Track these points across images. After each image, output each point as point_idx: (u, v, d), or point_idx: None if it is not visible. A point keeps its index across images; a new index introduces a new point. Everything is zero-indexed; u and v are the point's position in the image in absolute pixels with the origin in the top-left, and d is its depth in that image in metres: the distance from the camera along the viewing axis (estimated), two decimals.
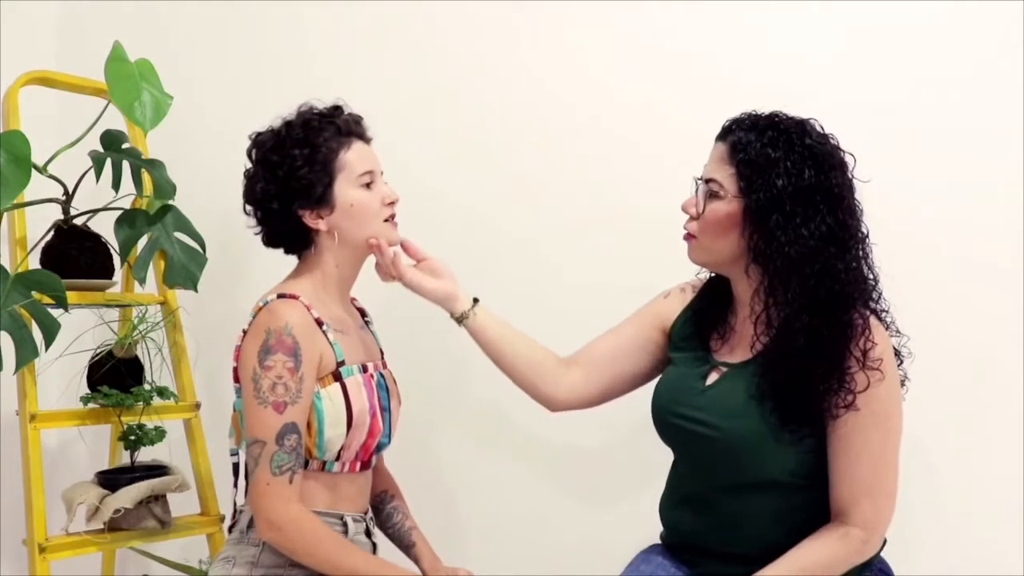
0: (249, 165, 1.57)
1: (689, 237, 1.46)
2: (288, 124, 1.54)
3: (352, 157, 1.53)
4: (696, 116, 1.95)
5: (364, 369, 1.53)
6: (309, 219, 1.51)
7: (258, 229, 1.58)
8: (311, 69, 2.24)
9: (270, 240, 1.58)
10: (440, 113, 2.15)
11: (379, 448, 1.56)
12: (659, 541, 1.58)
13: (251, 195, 1.55)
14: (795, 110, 1.43)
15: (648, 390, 1.56)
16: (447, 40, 2.16)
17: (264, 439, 1.40)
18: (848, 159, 1.40)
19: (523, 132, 2.10)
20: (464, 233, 2.12)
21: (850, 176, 1.39)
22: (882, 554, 1.46)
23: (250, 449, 1.41)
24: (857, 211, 1.39)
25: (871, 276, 1.41)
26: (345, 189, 1.51)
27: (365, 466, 1.56)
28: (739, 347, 1.46)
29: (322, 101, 1.57)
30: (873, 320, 1.38)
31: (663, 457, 1.56)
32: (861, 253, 1.38)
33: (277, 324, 1.42)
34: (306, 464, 1.47)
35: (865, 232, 1.40)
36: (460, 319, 1.60)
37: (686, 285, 1.60)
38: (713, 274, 1.55)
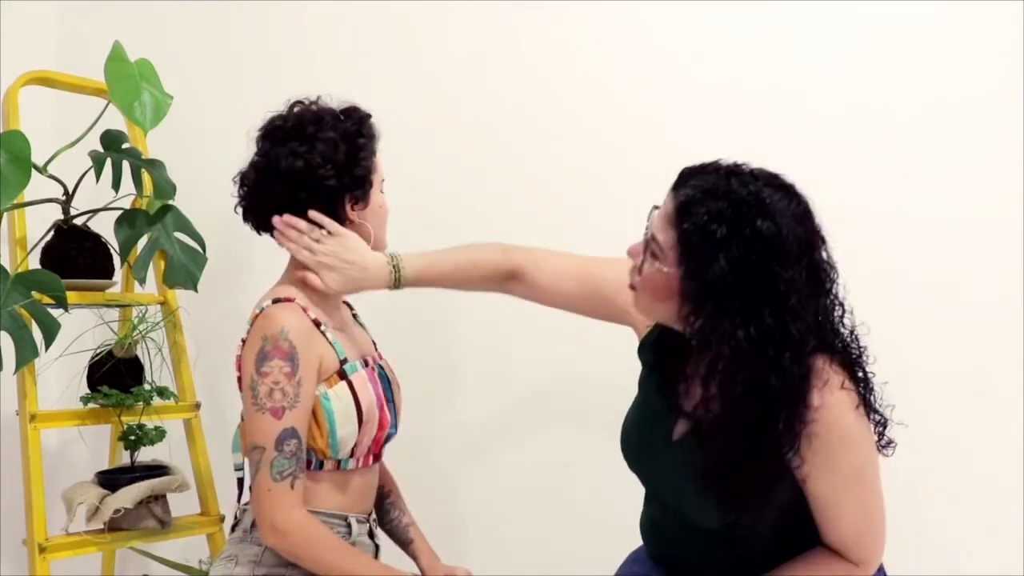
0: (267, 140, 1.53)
1: (631, 288, 1.33)
2: (335, 115, 1.52)
3: (379, 162, 1.56)
4: (698, 117, 1.96)
5: (366, 364, 1.53)
6: (349, 208, 1.51)
7: (260, 205, 1.52)
8: (311, 69, 2.24)
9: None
10: (440, 113, 2.15)
11: (387, 439, 1.56)
12: None
13: (308, 165, 1.47)
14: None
15: None
16: (447, 40, 2.16)
17: (263, 445, 1.40)
18: (818, 224, 1.24)
19: (524, 133, 2.10)
20: (463, 234, 2.12)
21: (819, 255, 1.24)
22: None
23: (251, 455, 1.41)
24: (806, 309, 1.21)
25: (848, 339, 1.29)
26: (375, 190, 1.55)
27: (377, 458, 1.57)
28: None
29: (334, 97, 1.56)
30: (823, 413, 1.22)
31: None
32: (796, 353, 1.21)
33: (273, 330, 1.42)
34: (321, 465, 1.47)
35: (807, 326, 1.22)
36: (394, 288, 1.55)
37: None
38: None
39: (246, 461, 1.51)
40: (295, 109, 1.53)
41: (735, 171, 1.25)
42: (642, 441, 1.43)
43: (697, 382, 1.31)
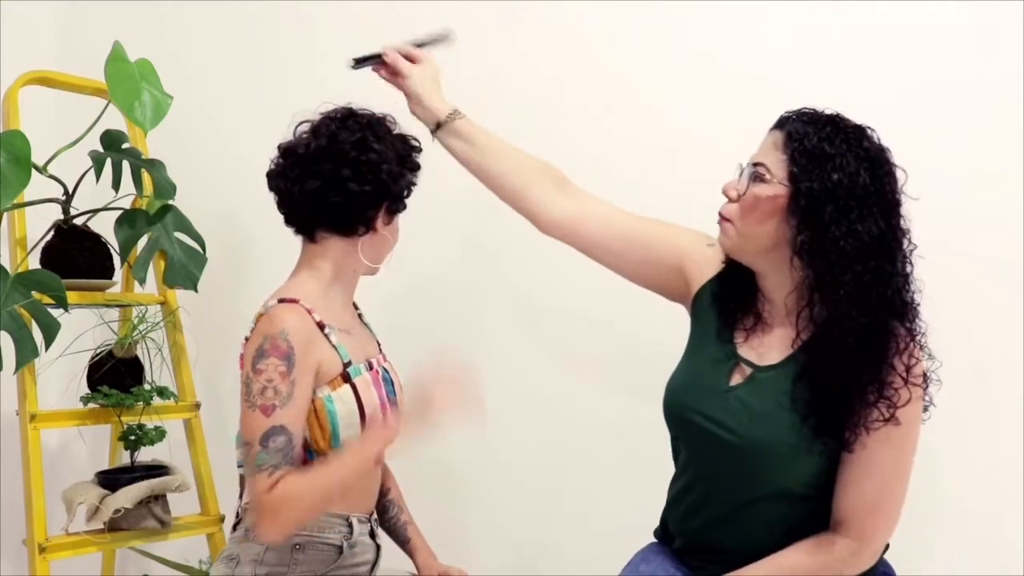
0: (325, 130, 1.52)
1: (723, 220, 1.40)
2: (399, 133, 1.56)
3: None
4: (701, 117, 1.96)
5: (370, 367, 1.53)
6: (381, 216, 1.53)
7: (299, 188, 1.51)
8: (312, 69, 2.23)
9: (321, 208, 1.51)
10: None
11: None
12: (654, 540, 1.58)
13: (380, 157, 1.50)
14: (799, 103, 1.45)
15: (657, 386, 1.54)
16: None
17: (251, 441, 1.39)
18: (900, 175, 1.35)
19: (526, 133, 2.09)
20: (471, 231, 2.12)
21: (900, 190, 1.35)
22: (884, 556, 1.46)
23: (244, 452, 1.41)
24: (905, 224, 1.35)
25: (913, 297, 1.35)
26: (398, 216, 1.59)
27: (378, 460, 1.57)
28: (771, 346, 1.40)
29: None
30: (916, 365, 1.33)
31: (664, 457, 1.56)
32: (908, 265, 1.34)
33: (273, 330, 1.42)
34: None
35: (912, 247, 1.35)
36: (435, 129, 1.61)
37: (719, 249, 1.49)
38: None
39: None
40: (361, 111, 1.55)
41: (836, 113, 1.37)
42: (700, 392, 1.42)
43: (778, 323, 1.40)
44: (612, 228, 1.55)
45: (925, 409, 1.37)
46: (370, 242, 1.54)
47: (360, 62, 1.65)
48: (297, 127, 1.54)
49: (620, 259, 1.56)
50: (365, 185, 1.49)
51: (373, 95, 1.59)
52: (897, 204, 1.33)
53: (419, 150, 1.58)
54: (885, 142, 1.40)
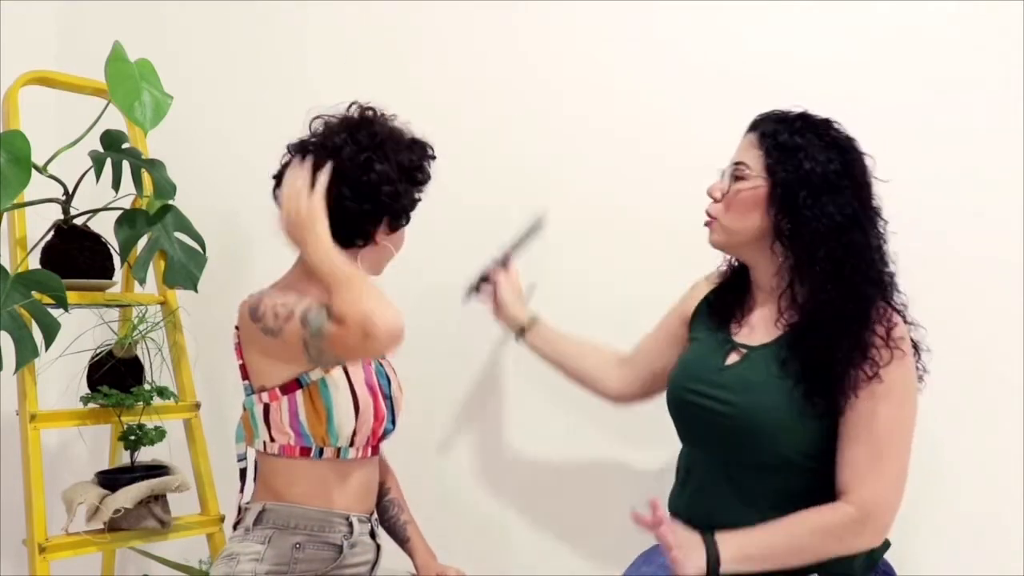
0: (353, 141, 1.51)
1: (711, 220, 1.52)
2: (400, 141, 1.54)
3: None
4: (700, 117, 1.96)
5: None
6: (380, 230, 1.54)
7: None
8: (311, 69, 2.24)
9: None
10: (442, 114, 2.14)
11: (385, 434, 1.57)
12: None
13: (380, 178, 1.50)
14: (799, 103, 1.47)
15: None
16: (448, 40, 2.16)
17: (298, 338, 1.38)
18: (868, 161, 1.45)
19: (526, 133, 2.10)
20: (469, 236, 2.12)
21: (870, 173, 1.45)
22: (885, 556, 1.46)
23: (306, 344, 1.39)
24: (876, 203, 1.45)
25: (888, 269, 1.45)
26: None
27: (375, 451, 1.58)
28: (760, 329, 1.50)
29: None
30: (899, 328, 1.41)
31: (666, 457, 1.56)
32: (881, 241, 1.44)
33: (255, 297, 1.47)
34: (321, 452, 1.48)
35: (885, 224, 1.45)
36: (519, 334, 1.84)
37: (711, 274, 1.65)
38: (733, 261, 1.59)
39: (249, 457, 1.53)
40: (376, 118, 1.55)
41: (803, 111, 1.49)
42: (698, 373, 1.51)
43: (766, 308, 1.50)
44: (653, 359, 1.72)
45: (920, 379, 1.44)
46: (369, 252, 1.55)
47: (473, 290, 1.89)
48: (312, 122, 1.54)
49: (668, 364, 1.66)
50: (364, 204, 1.49)
51: (373, 95, 1.60)
52: (868, 185, 1.44)
53: (432, 157, 1.58)
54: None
